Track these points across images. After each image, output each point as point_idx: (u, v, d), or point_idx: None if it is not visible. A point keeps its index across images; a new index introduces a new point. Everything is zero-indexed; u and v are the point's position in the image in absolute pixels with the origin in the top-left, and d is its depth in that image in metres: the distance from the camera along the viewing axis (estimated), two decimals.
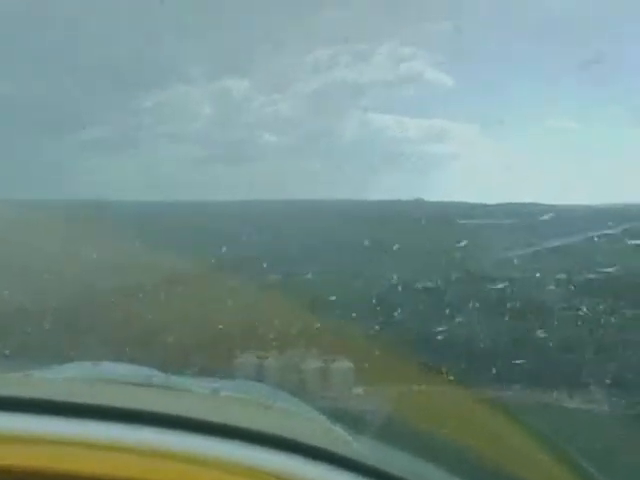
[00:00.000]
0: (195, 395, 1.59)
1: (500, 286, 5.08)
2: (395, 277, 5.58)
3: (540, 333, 4.39)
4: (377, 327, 4.59)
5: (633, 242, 6.83)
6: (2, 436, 1.06)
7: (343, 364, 3.11)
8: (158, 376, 1.74)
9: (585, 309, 4.63)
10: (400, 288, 5.30)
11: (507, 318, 4.69)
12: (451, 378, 3.71)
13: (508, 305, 4.77)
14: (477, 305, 4.87)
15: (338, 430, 1.58)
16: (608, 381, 3.76)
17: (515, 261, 5.75)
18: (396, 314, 4.66)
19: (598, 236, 6.50)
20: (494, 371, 3.83)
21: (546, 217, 7.31)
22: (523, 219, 8.09)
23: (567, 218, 8.28)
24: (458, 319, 4.63)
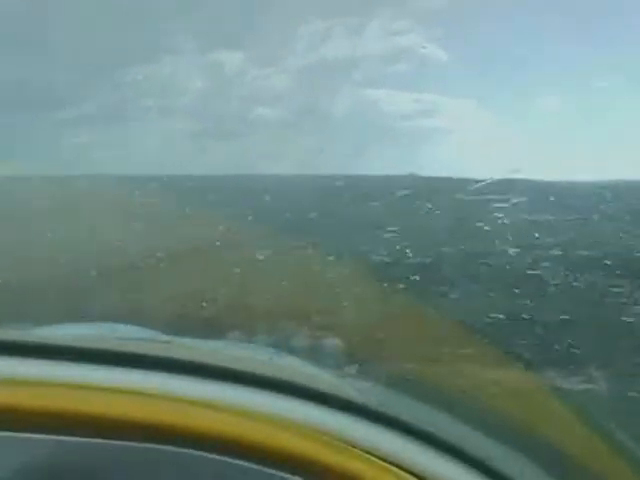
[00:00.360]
0: (200, 351, 1.61)
1: (494, 262, 4.95)
2: (387, 253, 5.43)
3: (535, 311, 4.26)
4: (369, 304, 4.44)
5: (630, 219, 6.68)
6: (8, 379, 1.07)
7: (333, 342, 2.95)
8: (163, 336, 1.79)
9: (582, 286, 4.51)
10: (392, 264, 5.15)
11: (501, 295, 4.56)
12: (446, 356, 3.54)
13: (502, 281, 4.64)
14: (471, 281, 4.75)
15: (340, 380, 1.63)
16: (606, 360, 3.65)
17: (509, 237, 5.59)
18: (388, 290, 4.50)
19: (596, 212, 6.34)
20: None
21: (541, 193, 7.15)
22: (517, 195, 7.88)
23: (563, 195, 8.09)
24: (452, 295, 4.49)
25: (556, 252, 5.16)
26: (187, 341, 1.80)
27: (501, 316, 4.14)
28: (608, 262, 4.92)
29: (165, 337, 1.76)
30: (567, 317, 4.09)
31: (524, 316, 4.23)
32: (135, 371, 1.12)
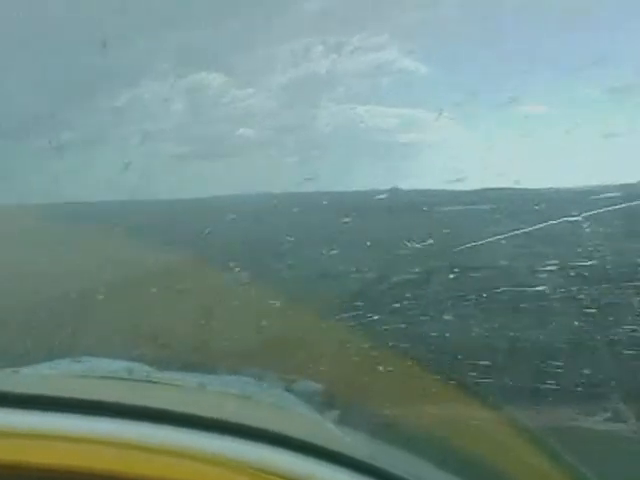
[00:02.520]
0: (181, 389, 1.54)
1: (487, 275, 4.46)
2: (372, 270, 4.96)
3: (539, 332, 3.72)
4: (353, 327, 3.91)
5: (621, 224, 6.22)
6: None
7: (307, 385, 2.41)
8: (142, 370, 1.72)
9: (585, 300, 3.99)
10: (377, 281, 4.66)
11: (499, 313, 4.04)
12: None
13: (499, 298, 4.13)
14: (463, 299, 4.25)
15: (330, 425, 1.53)
16: (631, 391, 3.05)
17: (500, 248, 5.10)
18: (374, 312, 3.98)
19: (584, 219, 5.86)
20: (490, 381, 3.08)
21: (527, 202, 6.68)
22: (503, 204, 7.37)
23: (549, 202, 7.59)
24: (446, 316, 3.96)
25: (552, 262, 4.66)
26: (173, 377, 1.70)
27: (500, 341, 3.63)
28: (609, 271, 4.44)
29: (145, 370, 1.71)
30: (576, 339, 3.57)
31: (525, 341, 3.71)
32: (105, 420, 1.08)
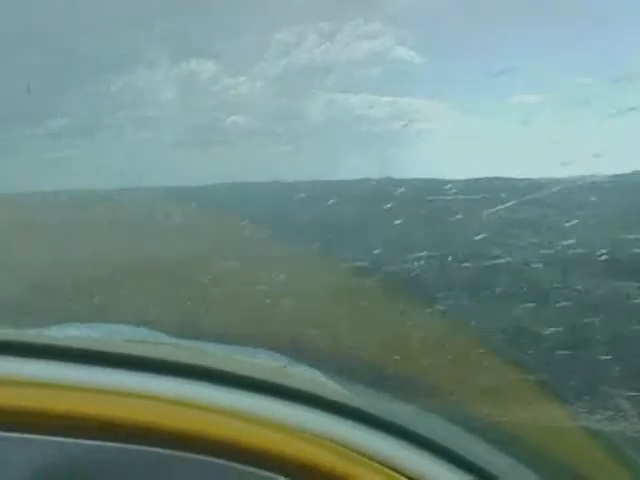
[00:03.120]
0: (209, 354, 1.56)
1: (482, 265, 4.34)
2: (364, 259, 4.84)
3: (539, 324, 3.58)
4: (343, 320, 3.81)
5: (615, 213, 6.14)
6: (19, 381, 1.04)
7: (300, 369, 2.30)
8: (169, 339, 1.74)
9: (583, 289, 3.88)
10: (369, 272, 4.55)
11: (495, 304, 3.92)
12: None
13: (494, 288, 4.01)
14: (458, 288, 4.13)
15: (341, 387, 1.53)
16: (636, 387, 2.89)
17: (492, 238, 5.00)
18: (365, 302, 3.86)
19: (580, 209, 5.77)
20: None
21: (519, 191, 6.58)
22: (495, 194, 7.24)
23: (541, 192, 7.47)
24: (438, 306, 3.83)
25: (546, 251, 4.55)
26: (198, 345, 1.72)
27: (499, 331, 3.51)
28: (603, 259, 4.34)
29: (174, 340, 1.71)
30: (577, 329, 3.44)
31: (528, 328, 3.59)
32: (142, 374, 1.09)
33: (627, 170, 6.98)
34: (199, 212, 9.30)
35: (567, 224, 5.45)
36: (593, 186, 7.46)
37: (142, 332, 1.87)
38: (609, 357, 3.18)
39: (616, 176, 7.76)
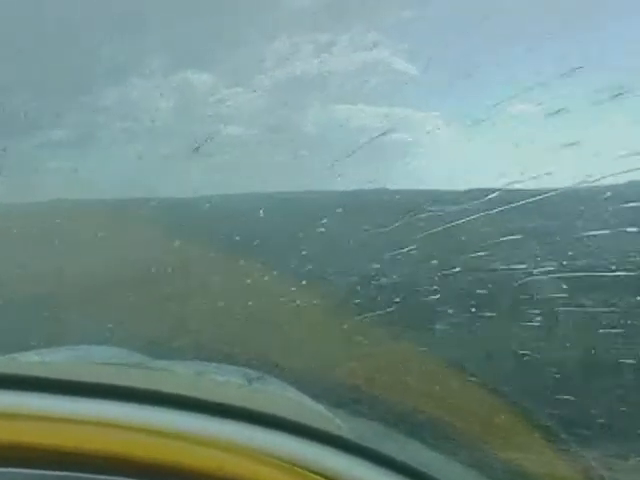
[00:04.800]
0: (179, 376, 1.49)
1: (481, 278, 3.96)
2: (358, 272, 4.48)
3: (547, 345, 3.17)
4: (330, 338, 3.43)
5: (616, 224, 5.75)
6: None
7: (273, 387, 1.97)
8: (141, 358, 1.70)
9: (592, 306, 3.48)
10: (364, 285, 4.18)
11: (498, 321, 3.53)
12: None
13: (495, 305, 3.62)
14: (458, 305, 3.74)
15: (325, 411, 1.48)
16: None
17: (492, 249, 4.63)
18: (352, 319, 3.48)
19: (580, 220, 5.39)
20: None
21: (519, 202, 6.21)
22: (493, 205, 6.85)
23: (542, 203, 7.07)
24: (438, 325, 3.44)
25: (549, 264, 4.17)
26: (169, 364, 1.64)
27: (499, 353, 3.11)
28: (611, 273, 3.95)
29: (147, 360, 1.66)
30: (591, 353, 3.05)
31: (530, 354, 3.17)
32: (110, 402, 1.05)
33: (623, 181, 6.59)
34: (189, 224, 9.07)
35: (570, 234, 5.09)
36: (588, 194, 7.13)
37: (113, 353, 1.80)
38: (633, 386, 2.77)
39: (613, 186, 7.44)
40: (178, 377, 1.50)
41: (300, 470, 1.03)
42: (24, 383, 1.07)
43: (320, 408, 1.53)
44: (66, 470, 0.98)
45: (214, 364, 1.99)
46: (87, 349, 1.89)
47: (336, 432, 1.23)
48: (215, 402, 1.12)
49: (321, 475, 1.04)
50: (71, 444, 0.99)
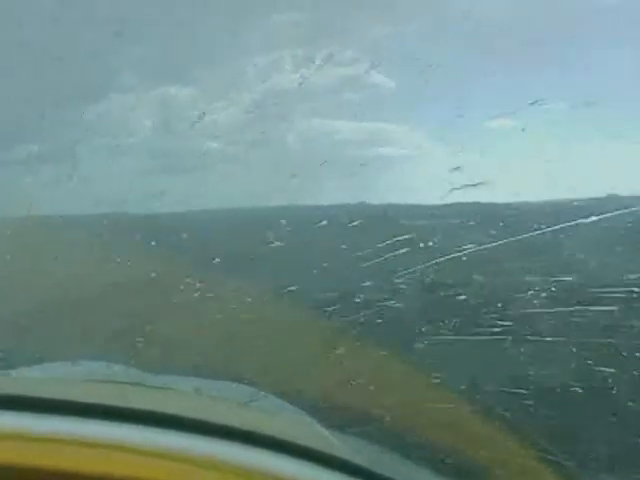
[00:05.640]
0: (177, 393, 1.50)
1: (462, 295, 3.80)
2: (334, 287, 4.31)
3: (536, 366, 2.99)
4: (311, 355, 3.26)
5: (597, 238, 5.65)
6: None
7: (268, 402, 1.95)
8: (138, 374, 1.74)
9: (579, 321, 3.30)
10: (339, 300, 4.02)
11: (483, 342, 3.35)
12: None
13: (479, 321, 3.44)
14: (438, 322, 3.57)
15: (322, 430, 1.48)
16: None
17: (474, 265, 4.48)
18: (332, 337, 3.30)
19: (562, 232, 5.27)
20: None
21: (500, 215, 6.09)
22: (473, 218, 6.73)
23: (520, 216, 6.98)
24: (417, 344, 3.26)
25: (531, 278, 4.01)
26: (167, 381, 1.62)
27: (489, 378, 2.92)
28: (593, 289, 3.82)
29: (140, 375, 1.66)
30: (587, 375, 2.85)
31: (526, 374, 2.98)
32: (106, 423, 1.03)
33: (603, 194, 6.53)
34: (168, 239, 8.92)
35: (555, 250, 4.96)
36: (573, 209, 7.04)
37: (111, 369, 1.76)
38: (633, 411, 2.59)
39: (598, 199, 7.36)
40: (177, 395, 1.47)
41: None
42: (23, 403, 1.04)
43: (316, 426, 1.50)
44: None
45: (212, 381, 1.96)
46: (86, 365, 1.85)
47: (333, 452, 1.21)
48: (216, 423, 1.10)
49: None
50: (71, 466, 0.97)
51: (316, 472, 1.07)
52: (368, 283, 4.73)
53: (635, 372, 3.02)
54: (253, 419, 1.31)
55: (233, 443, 1.06)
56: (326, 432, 1.46)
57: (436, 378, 2.92)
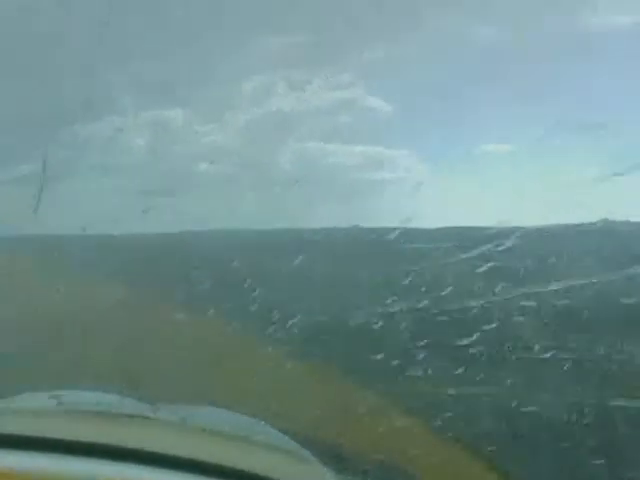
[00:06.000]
0: (161, 424, 1.44)
1: (456, 317, 3.68)
2: (325, 312, 4.21)
3: (537, 403, 2.77)
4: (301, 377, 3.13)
5: (590, 261, 5.59)
6: None
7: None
8: (122, 403, 1.63)
9: (579, 348, 3.18)
10: (331, 325, 3.91)
11: (479, 373, 3.19)
12: None
13: (475, 350, 3.31)
14: (431, 346, 3.44)
15: (314, 462, 1.42)
16: None
17: (466, 287, 4.39)
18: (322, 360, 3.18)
19: (554, 255, 5.20)
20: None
21: (493, 240, 6.02)
22: (467, 242, 6.69)
23: (515, 240, 6.89)
24: (409, 371, 3.13)
25: (528, 303, 3.92)
26: (154, 410, 1.55)
27: (482, 404, 2.79)
28: (588, 312, 3.73)
29: (131, 404, 1.60)
30: (579, 403, 2.71)
31: (518, 402, 2.82)
32: (105, 462, 1.02)
33: (597, 217, 6.46)
34: (161, 260, 8.83)
35: (547, 273, 4.89)
36: (560, 232, 6.99)
37: (98, 398, 1.70)
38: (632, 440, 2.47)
39: (591, 224, 7.31)
40: (162, 427, 1.42)
41: None
42: (13, 442, 1.02)
43: (310, 458, 1.46)
44: None
45: (200, 408, 1.91)
46: (74, 395, 1.77)
47: None
48: (204, 462, 1.07)
49: None
50: None
51: None
52: (354, 304, 4.64)
53: None
54: (246, 455, 1.26)
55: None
56: (319, 464, 1.42)
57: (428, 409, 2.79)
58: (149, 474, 1.03)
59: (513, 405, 2.80)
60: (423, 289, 4.40)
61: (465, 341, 3.33)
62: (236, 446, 1.36)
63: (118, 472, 1.02)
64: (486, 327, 3.49)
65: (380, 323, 3.83)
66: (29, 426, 1.18)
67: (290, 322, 4.82)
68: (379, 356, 3.25)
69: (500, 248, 6.40)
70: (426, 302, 4.13)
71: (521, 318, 3.76)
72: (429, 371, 3.22)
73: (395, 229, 8.54)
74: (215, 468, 1.06)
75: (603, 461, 2.44)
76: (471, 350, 3.31)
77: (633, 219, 7.35)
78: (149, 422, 1.44)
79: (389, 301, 4.16)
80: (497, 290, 4.34)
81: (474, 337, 3.31)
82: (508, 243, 6.67)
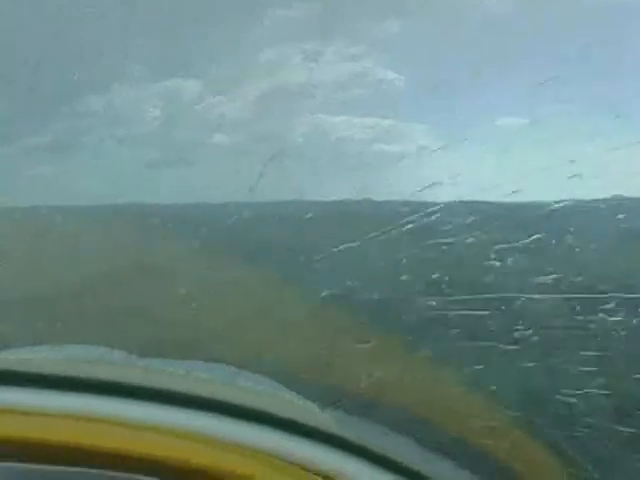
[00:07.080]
0: (166, 374, 1.54)
1: (474, 297, 3.55)
2: (337, 287, 4.09)
3: (563, 383, 2.66)
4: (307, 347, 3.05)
5: (608, 239, 5.41)
6: None
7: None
8: (128, 358, 1.72)
9: (598, 325, 3.05)
10: (342, 301, 3.79)
11: (499, 352, 3.08)
12: None
13: (493, 328, 3.19)
14: (446, 326, 3.32)
15: (309, 404, 1.55)
16: None
17: (483, 264, 4.24)
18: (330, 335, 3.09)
19: (566, 233, 5.03)
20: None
21: (503, 215, 5.86)
22: (479, 216, 6.51)
23: (527, 216, 6.74)
24: (424, 350, 3.02)
25: (545, 279, 3.77)
26: (160, 363, 1.69)
27: (506, 389, 2.67)
28: (605, 290, 3.58)
29: (132, 359, 1.66)
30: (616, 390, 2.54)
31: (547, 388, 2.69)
32: (102, 398, 1.07)
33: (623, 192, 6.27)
34: (170, 231, 8.85)
35: (562, 250, 4.73)
36: (569, 208, 6.79)
37: (100, 352, 1.76)
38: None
39: (606, 200, 7.11)
40: (165, 376, 1.47)
41: (290, 466, 1.02)
42: (14, 379, 1.07)
43: (311, 406, 1.50)
44: (58, 464, 0.98)
45: (202, 363, 1.93)
46: (73, 349, 1.84)
47: (326, 429, 1.21)
48: (204, 397, 1.12)
49: (311, 471, 1.04)
50: (60, 438, 0.99)
51: (302, 444, 1.09)
52: (366, 280, 4.54)
53: None
54: (242, 397, 1.30)
55: (220, 416, 1.09)
56: (319, 411, 1.47)
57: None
58: (145, 409, 1.07)
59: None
60: (436, 264, 4.26)
61: (482, 321, 3.19)
62: (233, 390, 1.40)
63: (115, 409, 1.05)
64: (503, 305, 3.36)
65: (391, 300, 3.71)
66: (42, 370, 1.20)
67: (303, 291, 4.77)
68: (389, 333, 3.13)
69: (513, 222, 6.25)
70: (441, 279, 3.99)
71: (540, 296, 3.61)
72: (444, 351, 3.10)
73: (407, 202, 8.39)
74: (213, 404, 1.10)
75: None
76: (486, 327, 3.19)
77: None
78: (153, 371, 1.52)
79: (401, 277, 4.03)
80: (512, 267, 4.20)
81: (493, 318, 3.18)
82: (521, 219, 6.51)
